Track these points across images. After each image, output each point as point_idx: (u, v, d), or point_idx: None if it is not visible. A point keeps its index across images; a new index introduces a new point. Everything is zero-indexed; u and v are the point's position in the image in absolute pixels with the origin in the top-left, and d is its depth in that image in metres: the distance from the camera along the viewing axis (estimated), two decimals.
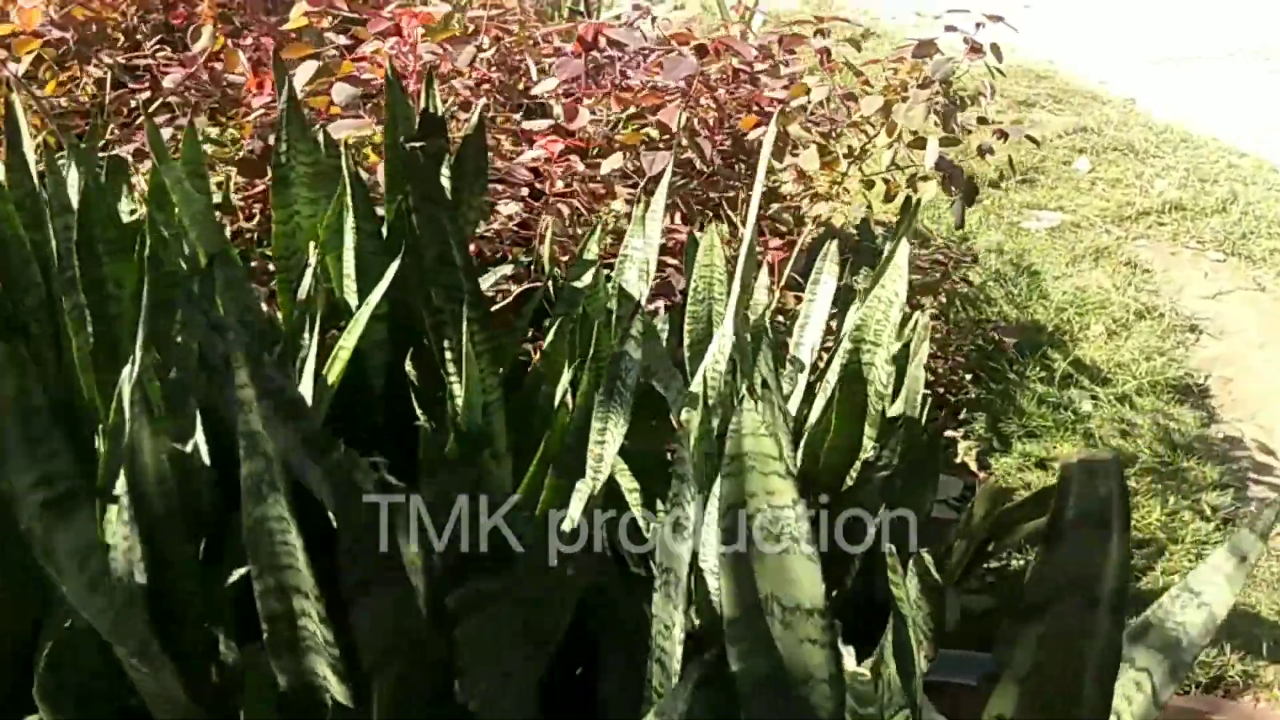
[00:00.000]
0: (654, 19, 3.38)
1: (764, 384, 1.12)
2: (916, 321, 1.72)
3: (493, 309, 2.00)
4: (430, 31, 2.13)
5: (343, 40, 1.97)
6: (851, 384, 1.38)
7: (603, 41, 2.06)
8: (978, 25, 1.72)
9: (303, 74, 2.00)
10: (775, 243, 1.97)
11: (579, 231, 2.17)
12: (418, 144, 1.22)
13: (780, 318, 2.36)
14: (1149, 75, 4.35)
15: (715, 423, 1.34)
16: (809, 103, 1.72)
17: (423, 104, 1.51)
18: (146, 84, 2.01)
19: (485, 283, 2.01)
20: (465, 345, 1.22)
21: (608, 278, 1.71)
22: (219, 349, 1.00)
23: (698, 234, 1.60)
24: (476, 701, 0.93)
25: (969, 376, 2.52)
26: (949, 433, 2.49)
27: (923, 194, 1.70)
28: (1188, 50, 4.64)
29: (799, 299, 1.92)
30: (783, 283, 2.13)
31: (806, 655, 0.88)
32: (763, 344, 1.19)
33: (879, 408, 1.36)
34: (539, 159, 1.82)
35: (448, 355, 1.31)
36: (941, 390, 2.52)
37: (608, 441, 1.20)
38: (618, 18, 3.45)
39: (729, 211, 2.17)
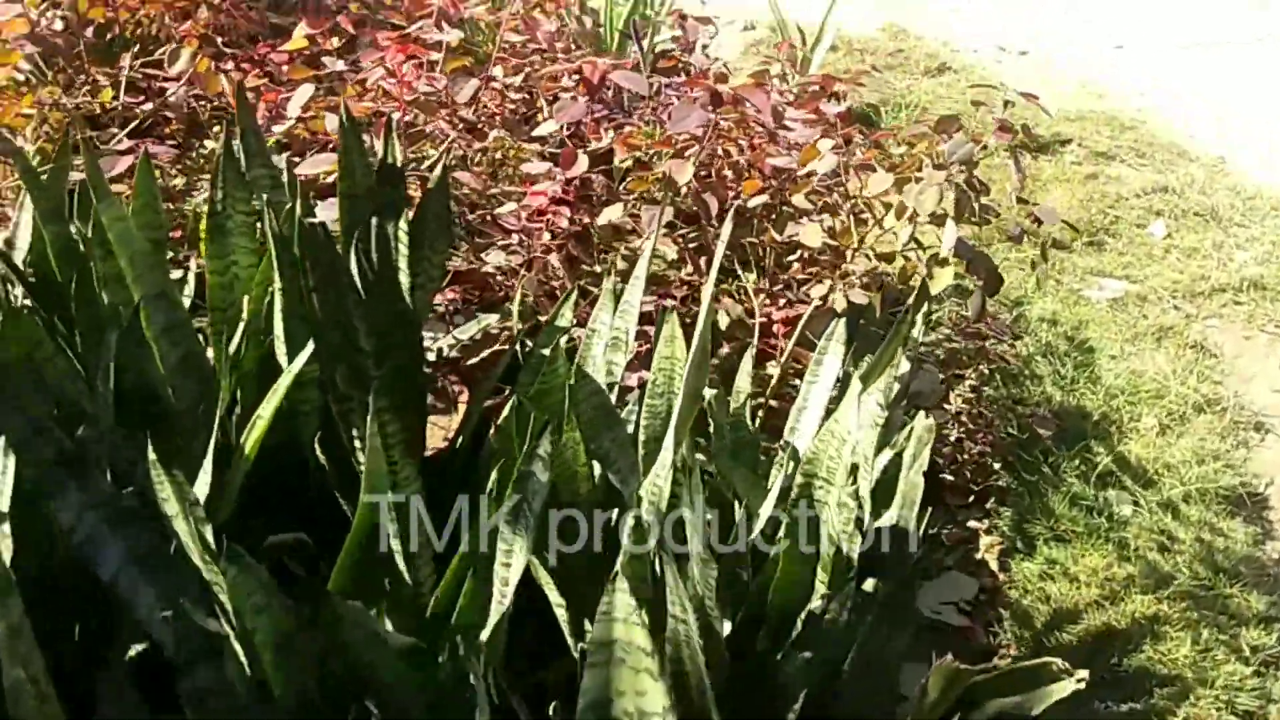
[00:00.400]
0: (704, 48, 3.23)
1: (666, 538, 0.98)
2: (914, 425, 1.55)
3: (471, 361, 1.89)
4: (447, 60, 2.02)
5: (341, 66, 1.87)
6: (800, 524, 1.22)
7: (620, 79, 1.92)
8: (1006, 104, 1.53)
9: (299, 97, 1.91)
10: (779, 315, 1.80)
11: (596, 269, 2.04)
12: (318, 221, 1.10)
13: (798, 381, 2.20)
14: (1176, 60, 4.24)
15: (652, 543, 1.19)
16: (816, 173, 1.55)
17: (381, 153, 1.39)
18: (143, 98, 1.94)
19: (468, 332, 1.89)
20: (370, 439, 1.10)
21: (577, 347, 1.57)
22: (41, 452, 0.89)
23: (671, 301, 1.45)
24: None
25: (999, 464, 2.32)
26: (971, 523, 2.30)
27: (935, 284, 1.52)
28: (1216, 35, 4.51)
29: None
30: (790, 349, 1.97)
31: None
32: (695, 483, 1.04)
33: (831, 551, 1.19)
34: (527, 208, 1.69)
35: (357, 445, 1.19)
36: (969, 474, 2.33)
37: (513, 565, 1.06)
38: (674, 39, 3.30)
39: (738, 267, 2.02)
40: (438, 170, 1.41)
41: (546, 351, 1.53)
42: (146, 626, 0.90)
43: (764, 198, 1.66)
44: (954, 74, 4.37)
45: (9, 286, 1.47)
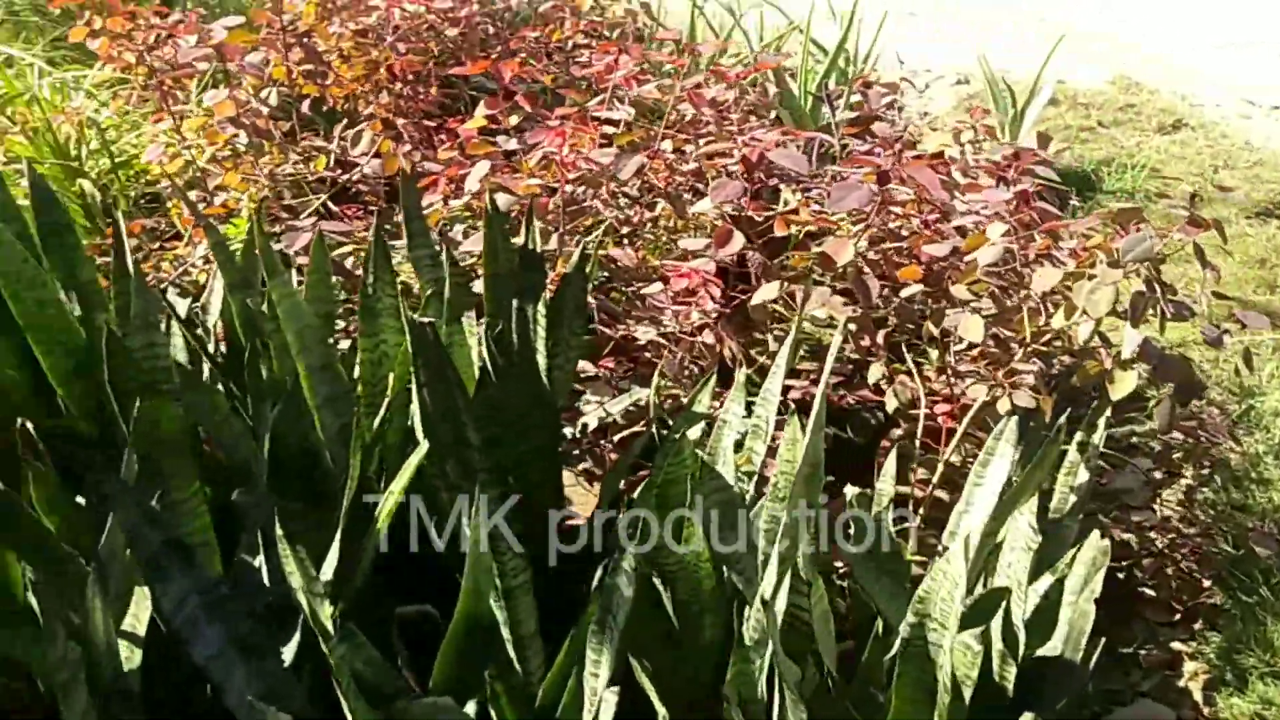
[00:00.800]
0: (899, 110, 3.12)
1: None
2: (1085, 545, 1.39)
3: (620, 435, 1.88)
4: (619, 134, 2.06)
5: (514, 144, 1.94)
6: (917, 663, 1.11)
7: (779, 159, 1.88)
8: (1194, 196, 1.35)
9: (477, 172, 2.00)
10: (944, 409, 1.68)
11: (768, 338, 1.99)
12: (428, 321, 1.12)
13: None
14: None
15: (758, 664, 1.13)
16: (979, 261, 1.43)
17: (523, 239, 1.42)
18: (340, 170, 2.09)
19: (619, 404, 1.89)
20: (474, 530, 1.10)
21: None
22: (147, 544, 0.94)
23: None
24: None
25: (1210, 580, 2.05)
26: (1175, 644, 2.04)
27: (1116, 389, 1.36)
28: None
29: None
30: (960, 437, 1.83)
31: None
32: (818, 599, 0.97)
33: (947, 700, 1.07)
34: (677, 290, 1.68)
35: (468, 533, 1.20)
36: (1174, 587, 2.07)
37: (600, 675, 1.03)
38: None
39: (909, 346, 1.91)
40: (576, 254, 1.42)
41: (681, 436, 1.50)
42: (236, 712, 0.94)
43: (918, 287, 1.56)
44: (1190, 131, 4.00)
45: (199, 354, 1.60)
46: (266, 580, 1.32)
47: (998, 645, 1.28)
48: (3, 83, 2.72)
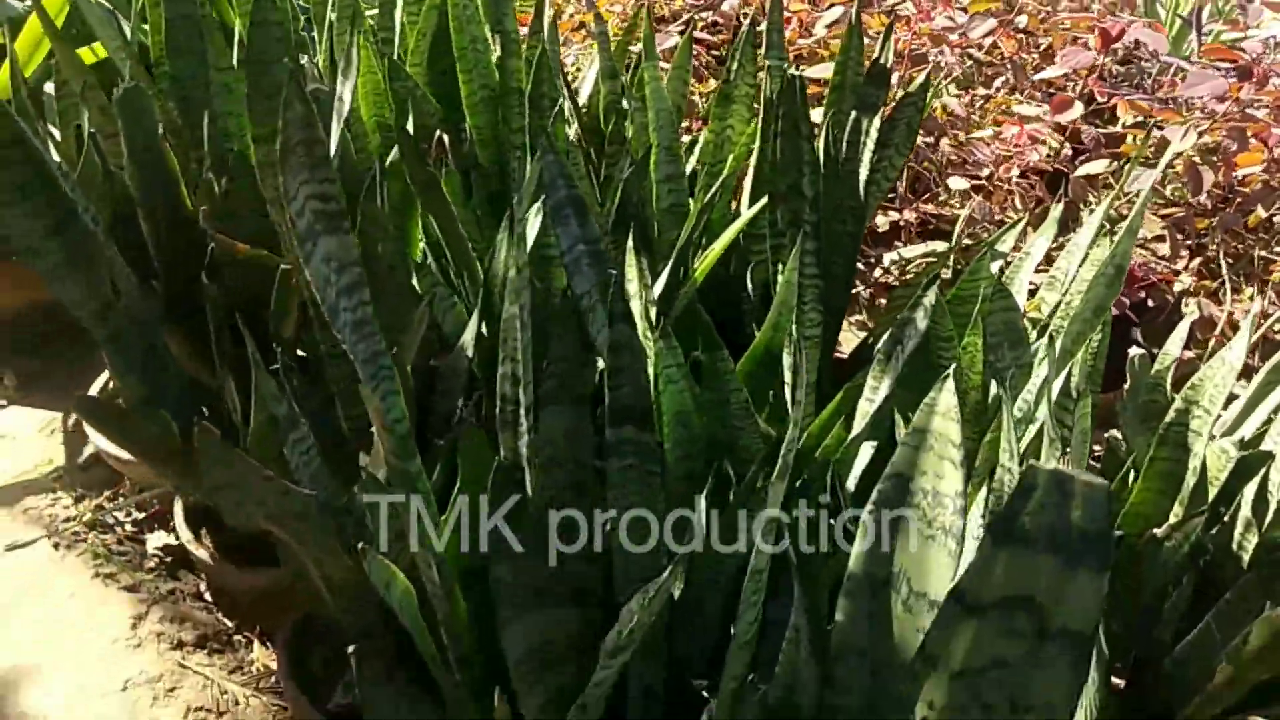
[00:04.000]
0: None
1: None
2: None
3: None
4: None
5: None
6: (1172, 449, 1.17)
7: (1140, 35, 1.87)
8: None
9: (828, 17, 2.14)
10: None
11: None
12: (794, 73, 1.28)
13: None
14: None
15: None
16: None
17: (877, 55, 1.55)
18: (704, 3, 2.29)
19: (913, 252, 2.00)
20: (788, 273, 1.28)
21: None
22: (556, 194, 1.19)
23: None
24: None
25: None
26: None
27: None
28: None
29: None
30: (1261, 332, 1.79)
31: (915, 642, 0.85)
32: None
33: (1190, 483, 1.13)
34: (1003, 139, 1.75)
35: (779, 278, 1.38)
36: None
37: (877, 398, 1.19)
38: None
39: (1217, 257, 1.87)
40: (918, 80, 1.53)
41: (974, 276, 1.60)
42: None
43: (1258, 168, 1.55)
44: None
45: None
46: None
47: (1244, 513, 1.31)
48: None
